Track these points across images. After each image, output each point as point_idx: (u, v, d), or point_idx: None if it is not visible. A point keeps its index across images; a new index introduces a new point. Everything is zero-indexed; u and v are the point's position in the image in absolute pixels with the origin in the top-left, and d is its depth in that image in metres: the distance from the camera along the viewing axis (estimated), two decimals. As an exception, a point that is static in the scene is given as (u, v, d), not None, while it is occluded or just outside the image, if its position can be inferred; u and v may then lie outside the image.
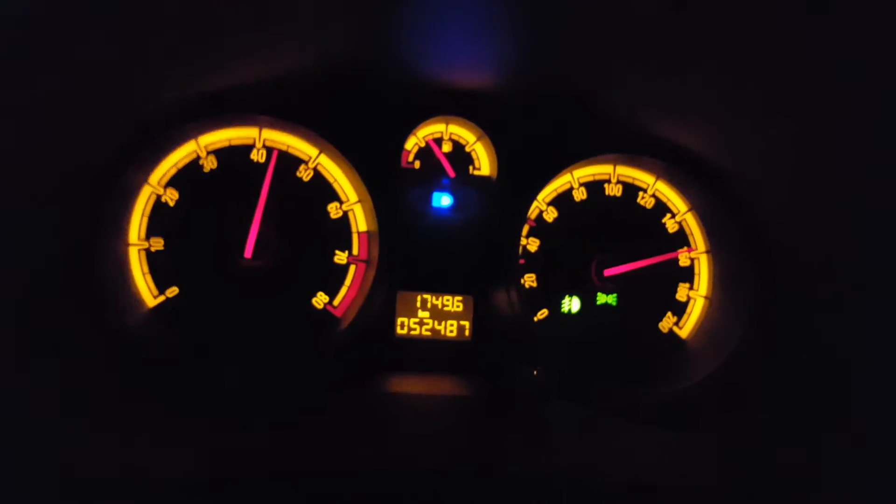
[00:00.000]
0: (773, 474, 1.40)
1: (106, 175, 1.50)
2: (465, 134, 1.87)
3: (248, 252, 1.67)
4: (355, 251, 1.80)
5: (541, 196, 1.86)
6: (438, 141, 1.87)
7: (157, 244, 1.68)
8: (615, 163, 1.89)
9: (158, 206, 1.68)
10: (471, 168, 1.88)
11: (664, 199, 1.93)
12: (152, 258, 1.68)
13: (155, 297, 1.68)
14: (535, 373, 1.73)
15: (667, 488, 1.40)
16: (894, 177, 1.22)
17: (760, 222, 1.68)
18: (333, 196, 1.79)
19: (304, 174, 1.77)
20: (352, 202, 1.79)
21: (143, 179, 1.65)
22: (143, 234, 1.67)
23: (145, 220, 1.67)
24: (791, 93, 1.25)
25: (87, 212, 1.47)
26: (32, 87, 1.12)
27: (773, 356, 1.67)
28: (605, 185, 1.91)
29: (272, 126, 1.72)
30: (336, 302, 1.79)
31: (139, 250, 1.67)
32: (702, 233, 1.92)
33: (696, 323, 1.93)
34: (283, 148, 1.75)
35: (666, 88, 1.49)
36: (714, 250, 1.91)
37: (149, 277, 1.68)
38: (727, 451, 1.52)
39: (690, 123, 1.64)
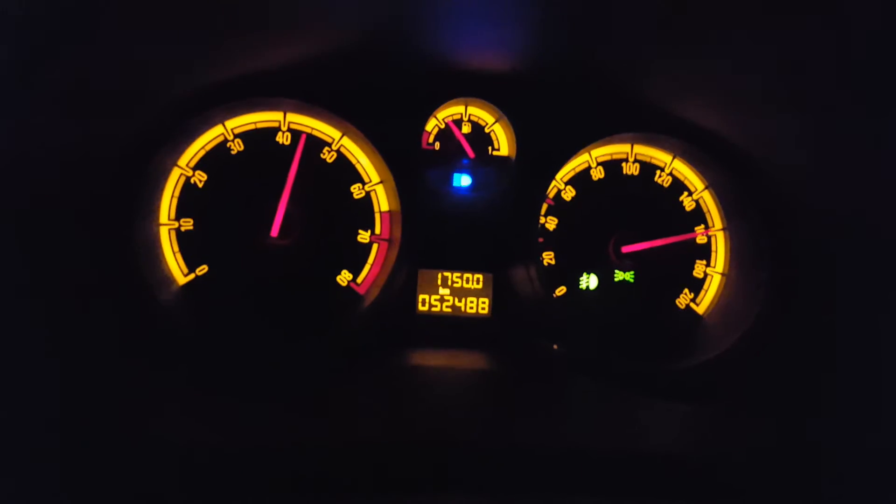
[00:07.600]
0: (788, 447, 1.42)
1: (137, 159, 1.55)
2: (484, 115, 1.90)
3: (276, 231, 1.73)
4: (378, 230, 1.85)
5: (559, 175, 1.88)
6: (458, 122, 1.90)
7: (187, 224, 1.74)
8: (632, 142, 1.91)
9: (188, 188, 1.73)
10: (490, 149, 1.92)
11: (681, 178, 1.95)
12: (182, 238, 1.74)
13: (185, 275, 1.74)
14: (554, 348, 1.77)
15: (681, 460, 1.43)
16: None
17: (777, 199, 1.69)
18: (356, 177, 1.83)
19: (328, 156, 1.81)
20: (374, 183, 1.83)
21: (173, 162, 1.70)
22: (173, 215, 1.73)
23: (175, 201, 1.73)
24: (812, 73, 1.26)
25: (120, 194, 1.52)
26: (69, 78, 1.16)
27: (789, 331, 1.68)
28: (623, 164, 1.93)
29: (296, 110, 1.76)
30: (360, 279, 1.84)
31: (170, 230, 1.73)
32: (718, 210, 1.94)
33: (713, 299, 1.95)
34: (308, 131, 1.79)
35: (683, 70, 1.50)
36: (730, 228, 1.93)
37: (179, 256, 1.74)
38: (743, 425, 1.55)
39: (708, 103, 1.65)
